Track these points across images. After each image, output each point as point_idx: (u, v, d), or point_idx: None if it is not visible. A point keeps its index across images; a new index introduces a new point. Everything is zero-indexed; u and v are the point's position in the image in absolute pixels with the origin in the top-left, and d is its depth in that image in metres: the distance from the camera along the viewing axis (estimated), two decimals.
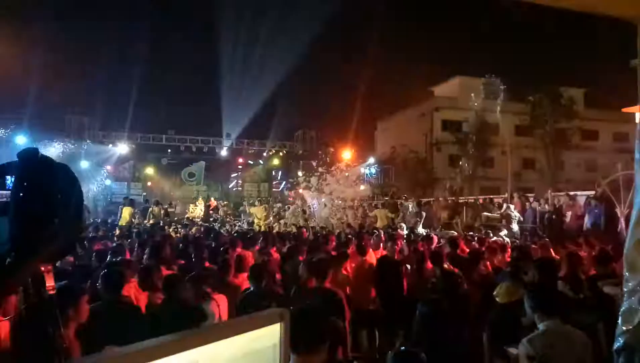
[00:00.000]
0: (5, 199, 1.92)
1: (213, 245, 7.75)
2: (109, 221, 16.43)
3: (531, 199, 17.42)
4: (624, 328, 1.67)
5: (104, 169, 26.91)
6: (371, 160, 30.00)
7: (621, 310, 1.71)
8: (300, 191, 25.96)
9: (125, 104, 26.48)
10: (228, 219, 20.31)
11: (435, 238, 8.31)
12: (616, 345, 1.61)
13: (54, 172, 2.02)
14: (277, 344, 0.81)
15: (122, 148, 27.19)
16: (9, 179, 1.98)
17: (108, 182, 27.47)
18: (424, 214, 14.45)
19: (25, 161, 1.96)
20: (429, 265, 5.88)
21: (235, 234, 10.87)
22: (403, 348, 2.57)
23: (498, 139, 31.11)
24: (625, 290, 1.71)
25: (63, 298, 2.98)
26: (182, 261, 6.03)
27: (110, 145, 27.12)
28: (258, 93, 27.90)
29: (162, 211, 18.64)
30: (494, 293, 3.76)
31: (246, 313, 2.70)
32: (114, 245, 7.38)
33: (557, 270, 4.32)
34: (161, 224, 15.17)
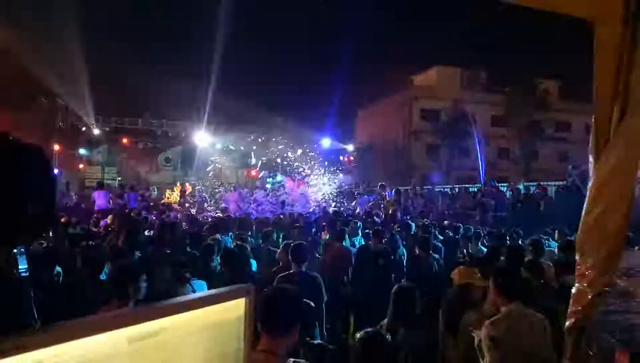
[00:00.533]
0: None
1: (196, 230, 7.69)
2: (82, 206, 16.09)
3: (504, 189, 17.80)
4: (574, 308, 1.72)
5: (78, 153, 26.28)
6: (351, 147, 30.10)
7: (572, 292, 1.76)
8: (279, 178, 25.86)
9: (99, 86, 25.76)
10: (206, 205, 20.12)
11: (413, 225, 8.40)
12: (567, 324, 1.66)
13: (26, 156, 1.95)
14: (241, 317, 0.80)
15: (95, 131, 26.52)
16: None
17: (81, 166, 26.86)
18: (401, 202, 14.59)
19: None
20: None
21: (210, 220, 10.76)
22: (369, 330, 2.60)
23: (474, 129, 31.61)
24: (576, 273, 1.76)
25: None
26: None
27: (84, 128, 26.41)
28: (237, 79, 27.53)
29: (139, 197, 18.38)
30: (451, 275, 3.88)
31: None
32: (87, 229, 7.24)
33: (523, 257, 4.43)
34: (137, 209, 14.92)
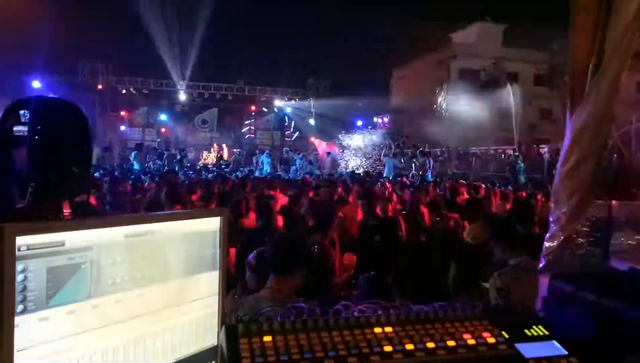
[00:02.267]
0: (22, 133, 2.16)
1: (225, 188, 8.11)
2: (125, 166, 16.93)
3: (544, 150, 17.36)
4: (546, 251, 1.89)
5: (119, 115, 27.27)
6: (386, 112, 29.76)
7: (546, 236, 1.93)
8: (312, 139, 26.07)
9: (137, 50, 26.36)
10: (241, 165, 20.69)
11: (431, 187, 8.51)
12: (539, 266, 1.83)
13: (66, 117, 2.23)
14: (217, 230, 1.05)
15: (135, 94, 27.36)
16: (23, 114, 2.21)
17: (123, 128, 27.89)
18: (430, 162, 14.55)
19: (38, 107, 2.17)
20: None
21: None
22: (372, 273, 2.85)
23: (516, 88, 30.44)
24: (551, 219, 1.91)
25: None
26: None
27: (124, 90, 27.27)
28: (272, 40, 27.45)
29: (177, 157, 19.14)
30: (465, 234, 4.02)
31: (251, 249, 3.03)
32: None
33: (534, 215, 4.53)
34: (176, 169, 15.61)
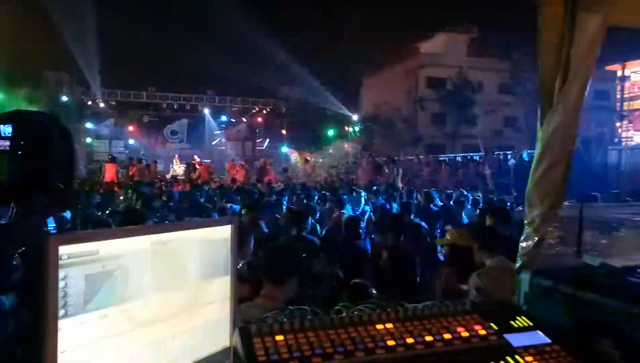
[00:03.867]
0: (3, 148, 2.15)
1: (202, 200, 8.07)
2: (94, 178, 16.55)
3: (509, 156, 17.97)
4: (522, 251, 2.02)
5: (85, 127, 26.62)
6: (355, 118, 30.12)
7: (522, 237, 2.06)
8: (284, 149, 26.12)
9: (104, 60, 25.84)
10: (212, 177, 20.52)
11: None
12: (517, 265, 1.96)
13: (49, 131, 2.23)
14: (228, 238, 1.12)
15: (101, 105, 26.78)
16: (2, 128, 2.20)
17: (89, 140, 27.24)
18: (401, 171, 14.83)
19: (20, 122, 2.17)
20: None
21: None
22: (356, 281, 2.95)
23: (482, 97, 31.42)
24: (525, 221, 2.05)
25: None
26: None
27: (90, 102, 26.67)
28: (240, 49, 27.44)
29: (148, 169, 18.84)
30: (447, 236, 4.18)
31: None
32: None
33: (509, 216, 4.74)
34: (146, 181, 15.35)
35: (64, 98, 25.26)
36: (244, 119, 30.49)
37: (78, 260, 0.80)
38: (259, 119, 30.37)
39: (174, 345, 1.00)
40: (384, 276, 4.08)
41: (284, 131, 29.58)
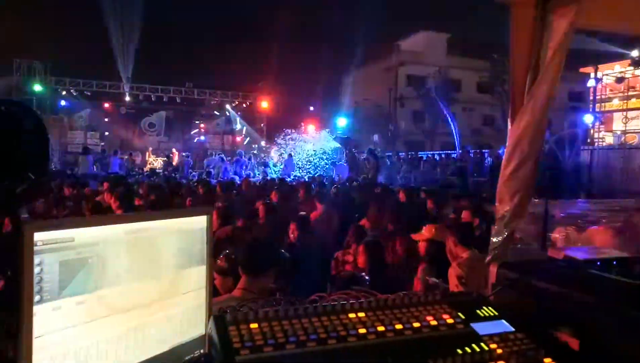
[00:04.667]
0: None
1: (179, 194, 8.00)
2: (68, 171, 16.21)
3: (485, 155, 18.30)
4: (492, 246, 2.08)
5: (58, 118, 25.97)
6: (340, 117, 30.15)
7: (492, 232, 2.14)
8: (263, 143, 26.00)
9: (79, 50, 25.25)
10: (191, 170, 20.32)
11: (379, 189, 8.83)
12: (487, 259, 2.03)
13: (21, 120, 2.20)
14: (204, 228, 1.14)
15: (76, 96, 26.18)
16: None
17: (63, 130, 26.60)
18: (379, 165, 14.97)
19: None
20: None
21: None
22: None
23: (460, 95, 31.88)
24: (497, 217, 2.12)
25: None
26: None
27: (64, 92, 26.03)
28: (220, 42, 27.14)
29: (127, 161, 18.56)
30: (423, 231, 4.27)
31: None
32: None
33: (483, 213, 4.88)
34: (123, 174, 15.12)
35: (37, 88, 24.57)
36: (227, 113, 30.20)
37: (53, 247, 0.81)
38: (239, 113, 30.15)
39: (150, 332, 1.02)
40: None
41: (262, 125, 29.46)
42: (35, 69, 25.24)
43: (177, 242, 1.08)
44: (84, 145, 21.51)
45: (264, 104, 28.87)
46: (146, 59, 25.26)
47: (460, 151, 19.79)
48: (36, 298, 0.78)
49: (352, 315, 1.21)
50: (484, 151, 18.78)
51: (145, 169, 21.30)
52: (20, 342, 0.75)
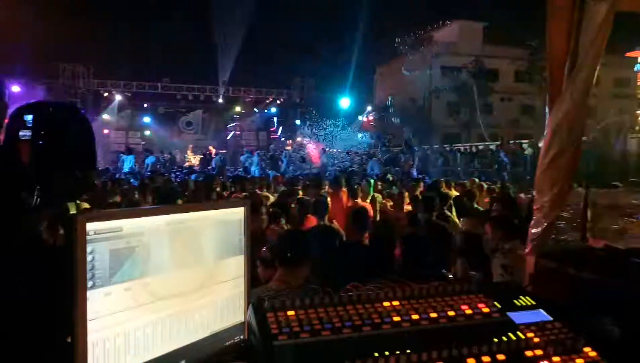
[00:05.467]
0: (27, 137, 2.24)
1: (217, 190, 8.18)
2: (111, 169, 16.83)
3: (525, 146, 17.75)
4: (532, 236, 2.04)
5: (101, 119, 26.99)
6: (369, 108, 29.98)
7: (531, 223, 2.09)
8: (299, 139, 26.17)
9: (120, 52, 26.15)
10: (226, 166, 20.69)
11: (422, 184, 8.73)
12: (526, 250, 1.99)
13: (69, 120, 2.32)
14: (242, 219, 1.19)
15: (118, 97, 27.11)
16: (28, 119, 2.29)
17: (106, 131, 27.62)
18: (416, 159, 14.79)
19: (42, 112, 2.25)
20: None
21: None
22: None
23: (497, 85, 30.99)
24: (535, 207, 2.08)
25: None
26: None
27: (106, 93, 27.01)
28: (255, 40, 27.45)
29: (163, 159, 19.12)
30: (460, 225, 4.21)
31: None
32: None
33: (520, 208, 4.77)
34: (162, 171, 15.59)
35: (80, 90, 25.60)
36: (256, 110, 30.58)
37: (104, 236, 0.87)
38: (273, 110, 30.44)
39: (192, 318, 1.07)
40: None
41: (297, 121, 29.59)
42: (79, 72, 26.31)
43: (216, 233, 1.13)
44: (126, 144, 22.26)
45: (297, 100, 29.00)
46: (183, 60, 25.85)
47: (498, 143, 19.26)
48: (89, 284, 0.84)
49: (386, 304, 1.23)
50: (522, 141, 18.22)
51: (184, 166, 21.85)
52: (75, 324, 0.81)
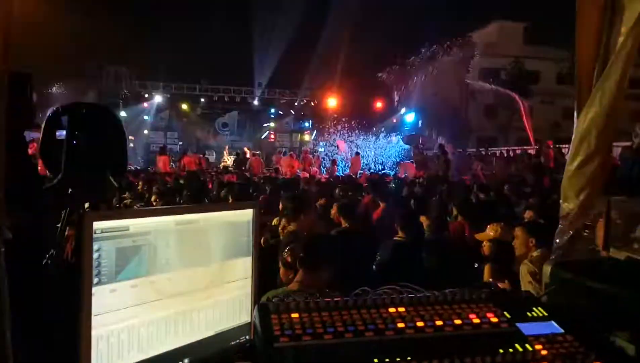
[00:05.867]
0: (62, 136, 2.35)
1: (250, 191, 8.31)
2: (150, 169, 17.36)
3: (565, 150, 17.14)
4: (556, 245, 1.98)
5: (141, 119, 27.88)
6: (403, 110, 29.65)
7: (556, 231, 2.02)
8: (331, 141, 26.18)
9: (159, 54, 26.95)
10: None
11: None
12: (551, 258, 1.93)
13: (102, 123, 2.41)
14: (250, 220, 1.21)
15: (157, 98, 27.93)
16: (63, 119, 2.39)
17: (145, 131, 28.51)
18: (450, 161, 14.53)
19: (76, 113, 2.36)
20: None
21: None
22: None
23: (538, 87, 30.05)
24: (560, 214, 2.01)
25: None
26: None
27: (147, 95, 27.87)
28: (290, 42, 27.70)
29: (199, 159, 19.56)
30: (488, 231, 4.12)
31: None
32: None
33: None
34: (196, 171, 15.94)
35: (123, 92, 26.55)
36: (292, 112, 30.83)
37: (110, 234, 0.91)
38: (308, 111, 30.60)
39: (197, 317, 1.10)
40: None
41: (330, 123, 29.63)
42: (121, 74, 27.29)
43: (224, 233, 1.16)
44: (162, 144, 22.90)
45: (332, 102, 29.03)
46: (220, 61, 26.36)
47: (536, 146, 18.67)
48: (95, 280, 0.88)
49: (392, 310, 1.22)
50: (563, 146, 17.58)
51: (220, 167, 22.27)
52: (80, 319, 0.86)
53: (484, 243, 4.26)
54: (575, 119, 2.04)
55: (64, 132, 2.31)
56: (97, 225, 0.88)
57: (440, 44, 30.33)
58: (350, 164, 18.34)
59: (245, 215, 1.21)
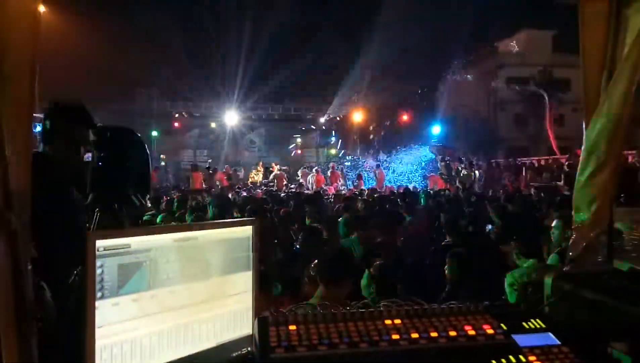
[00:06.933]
0: (89, 158, 2.48)
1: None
2: (182, 186, 17.79)
3: None
4: (570, 257, 1.96)
5: (172, 138, 28.67)
6: (431, 123, 29.39)
7: (569, 244, 2.00)
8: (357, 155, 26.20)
9: (187, 74, 27.76)
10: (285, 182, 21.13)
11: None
12: (564, 269, 1.91)
13: (127, 145, 2.54)
14: (250, 236, 1.27)
15: (187, 117, 28.70)
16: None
17: (177, 150, 29.27)
18: (477, 174, 14.31)
19: (102, 135, 2.49)
20: None
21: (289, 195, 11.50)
22: None
23: (568, 95, 29.34)
24: (572, 226, 1.99)
25: None
26: None
27: (177, 115, 28.68)
28: (316, 57, 28.06)
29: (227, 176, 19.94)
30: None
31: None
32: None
33: None
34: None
35: (154, 112, 27.42)
36: (313, 127, 31.08)
37: (112, 252, 0.98)
38: (334, 126, 30.79)
39: (198, 329, 1.16)
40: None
41: (356, 137, 29.70)
42: (153, 95, 28.24)
43: (223, 249, 1.22)
44: (193, 163, 23.43)
45: (357, 116, 29.13)
46: (247, 81, 26.91)
47: (568, 155, 18.16)
48: (98, 294, 0.96)
49: (388, 322, 1.25)
50: None
51: (248, 183, 22.60)
52: (84, 331, 0.93)
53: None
54: (584, 130, 2.03)
55: (90, 155, 2.44)
56: (100, 243, 0.96)
57: (467, 55, 30.13)
58: (376, 178, 18.28)
59: (245, 231, 1.27)
